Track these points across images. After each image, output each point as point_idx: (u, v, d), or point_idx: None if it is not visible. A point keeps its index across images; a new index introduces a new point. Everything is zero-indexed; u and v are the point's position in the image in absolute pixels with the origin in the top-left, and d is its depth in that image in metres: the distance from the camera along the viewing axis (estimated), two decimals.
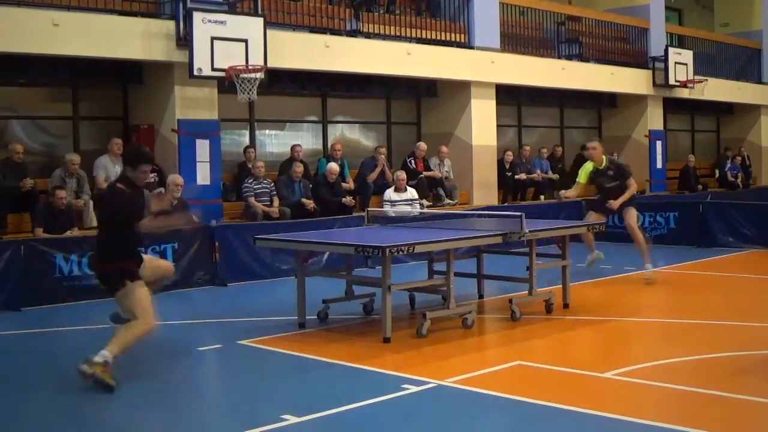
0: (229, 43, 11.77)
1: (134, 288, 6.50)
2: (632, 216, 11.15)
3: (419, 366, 6.74)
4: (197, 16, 11.57)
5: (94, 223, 11.30)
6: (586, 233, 11.00)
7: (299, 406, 5.64)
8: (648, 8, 19.64)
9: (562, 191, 11.75)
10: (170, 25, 11.78)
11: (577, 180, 11.39)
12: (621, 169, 11.29)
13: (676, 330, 8.17)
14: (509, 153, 16.63)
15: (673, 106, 20.99)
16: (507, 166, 16.44)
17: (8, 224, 10.86)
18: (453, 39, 15.58)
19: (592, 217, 11.30)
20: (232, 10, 12.32)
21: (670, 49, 19.41)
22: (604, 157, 11.19)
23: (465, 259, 9.57)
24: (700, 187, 20.28)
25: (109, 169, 11.68)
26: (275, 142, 15.19)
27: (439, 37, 15.35)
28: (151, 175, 11.93)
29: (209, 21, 11.66)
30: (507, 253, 9.74)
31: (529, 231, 8.28)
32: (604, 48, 18.91)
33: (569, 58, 18.14)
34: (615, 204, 10.99)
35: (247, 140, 14.45)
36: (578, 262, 10.87)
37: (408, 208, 13.24)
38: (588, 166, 11.20)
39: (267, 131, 15.17)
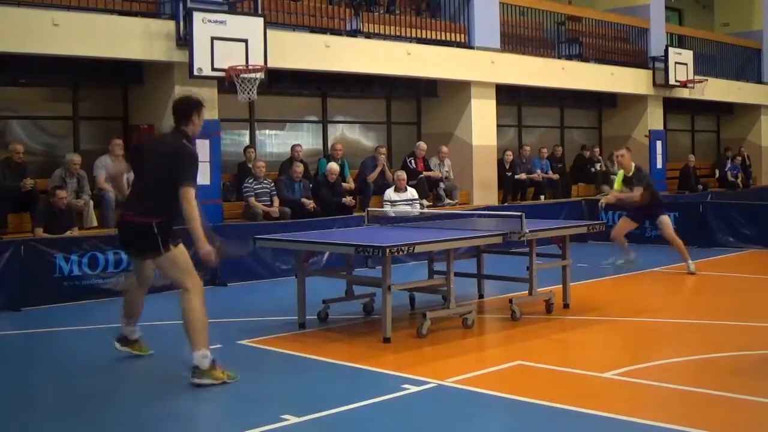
0: (229, 43, 11.76)
1: (177, 251, 6.22)
2: (666, 226, 11.60)
3: (419, 366, 6.74)
4: (197, 16, 11.57)
5: (95, 223, 11.32)
6: (620, 237, 11.66)
7: (299, 406, 5.64)
8: (648, 8, 19.64)
9: (602, 199, 12.20)
10: (170, 25, 11.78)
11: (613, 188, 12.10)
12: (637, 175, 11.58)
13: (676, 330, 8.17)
14: (509, 153, 16.64)
15: (673, 106, 20.98)
16: (507, 166, 16.44)
17: (8, 224, 10.86)
18: (453, 39, 15.58)
19: (626, 222, 11.78)
20: (232, 10, 12.31)
21: (670, 49, 19.41)
22: (632, 164, 11.57)
23: (465, 259, 9.56)
24: (700, 187, 20.28)
25: (110, 169, 11.68)
26: (275, 142, 15.19)
27: (439, 37, 15.35)
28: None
29: (209, 21, 11.65)
30: (507, 253, 9.73)
31: (529, 231, 8.27)
32: (604, 48, 18.91)
33: (569, 58, 18.14)
34: (609, 197, 11.84)
35: (247, 140, 14.45)
36: (579, 262, 10.87)
37: (408, 208, 13.24)
38: (620, 174, 11.75)
39: (267, 131, 15.17)
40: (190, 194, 6.08)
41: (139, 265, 6.75)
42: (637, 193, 11.35)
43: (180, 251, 6.29)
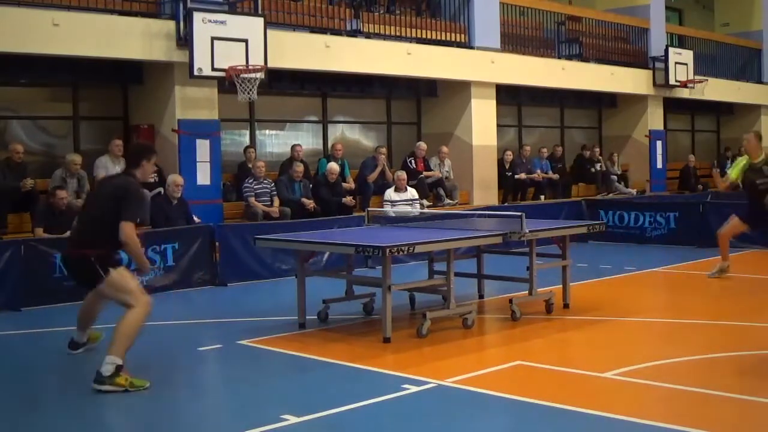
0: (229, 43, 11.77)
1: (116, 274, 6.34)
2: None
3: (419, 366, 6.74)
4: (197, 16, 11.57)
5: None
6: (725, 240, 10.46)
7: (299, 406, 5.63)
8: (648, 8, 19.65)
9: (717, 171, 10.76)
10: (170, 25, 11.78)
11: (727, 173, 10.36)
12: None
13: (676, 330, 8.17)
14: (509, 153, 16.65)
15: (673, 106, 20.99)
16: (507, 166, 16.45)
17: (8, 224, 10.86)
18: (453, 39, 15.58)
19: (735, 223, 10.64)
20: (232, 10, 12.32)
21: (670, 49, 19.41)
22: (761, 151, 10.01)
23: (465, 259, 9.56)
24: (700, 187, 20.28)
25: (110, 168, 11.66)
26: (275, 142, 15.20)
27: (439, 37, 15.35)
28: (152, 175, 11.97)
29: (209, 21, 11.66)
30: (507, 253, 9.73)
31: (529, 231, 8.27)
32: (604, 48, 18.91)
33: (569, 58, 18.15)
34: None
35: (247, 140, 14.46)
36: (579, 262, 10.86)
37: (408, 208, 13.24)
38: (742, 161, 10.20)
39: (267, 131, 15.18)
40: (128, 229, 6.25)
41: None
42: None
43: (120, 273, 6.40)
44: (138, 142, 7.07)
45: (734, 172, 10.28)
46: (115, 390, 5.98)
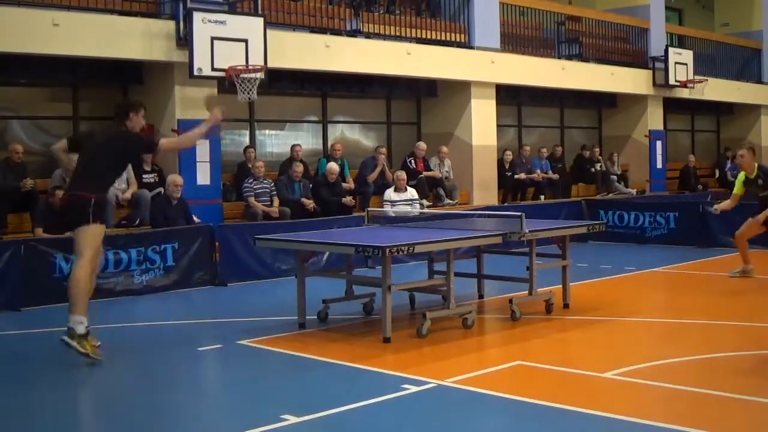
0: (229, 43, 11.77)
1: (97, 228, 6.88)
2: None
3: (419, 366, 6.74)
4: (197, 16, 11.57)
5: None
6: (742, 241, 10.79)
7: (299, 406, 5.63)
8: (648, 8, 19.65)
9: (716, 205, 11.44)
10: (170, 25, 11.78)
11: (733, 192, 11.11)
12: (764, 175, 10.73)
13: (676, 330, 8.17)
14: (509, 153, 16.65)
15: (673, 106, 20.99)
16: (507, 166, 16.45)
17: (8, 224, 10.86)
18: (453, 39, 15.58)
19: (750, 223, 10.90)
20: (232, 10, 12.33)
21: (670, 49, 19.42)
22: (755, 164, 10.80)
23: (465, 259, 9.56)
24: (700, 187, 20.28)
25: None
26: (275, 142, 15.20)
27: (439, 37, 15.35)
28: (151, 175, 11.99)
29: (209, 21, 11.66)
30: (507, 253, 9.74)
31: (529, 231, 8.27)
32: (604, 48, 18.91)
33: (569, 58, 18.15)
34: (761, 217, 10.53)
35: (247, 140, 14.46)
36: (579, 262, 10.86)
37: (408, 208, 13.24)
38: (741, 176, 10.96)
39: (267, 131, 15.18)
40: (165, 144, 7.48)
41: None
42: None
43: (99, 229, 6.97)
44: (123, 99, 7.71)
45: (737, 187, 11.09)
46: (78, 350, 6.63)
